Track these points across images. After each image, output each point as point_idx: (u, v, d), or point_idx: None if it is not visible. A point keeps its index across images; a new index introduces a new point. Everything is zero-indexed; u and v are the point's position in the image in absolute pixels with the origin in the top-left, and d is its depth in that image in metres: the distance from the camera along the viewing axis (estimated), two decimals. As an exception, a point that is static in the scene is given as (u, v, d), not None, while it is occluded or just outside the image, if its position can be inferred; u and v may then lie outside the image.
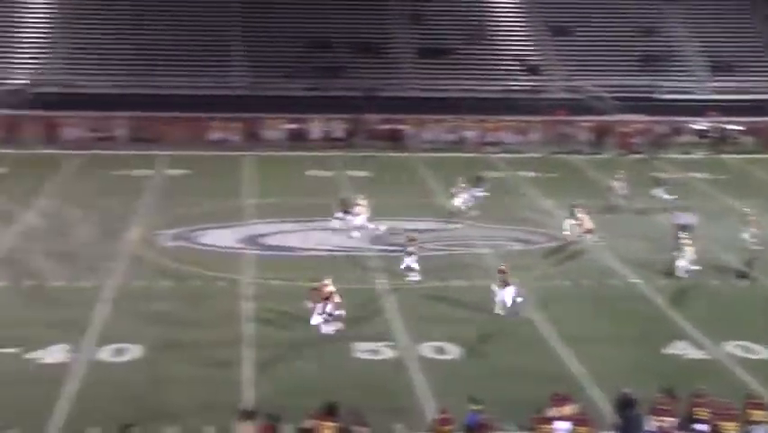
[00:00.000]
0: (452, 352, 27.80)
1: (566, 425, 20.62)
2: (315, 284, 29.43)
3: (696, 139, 61.02)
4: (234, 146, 56.72)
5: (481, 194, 43.24)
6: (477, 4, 71.80)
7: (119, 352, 27.19)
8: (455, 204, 42.05)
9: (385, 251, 37.11)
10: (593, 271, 35.32)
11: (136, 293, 31.95)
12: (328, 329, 28.66)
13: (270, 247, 37.61)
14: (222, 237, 38.51)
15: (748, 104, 62.81)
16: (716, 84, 66.82)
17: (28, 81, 62.35)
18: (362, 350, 27.69)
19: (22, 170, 49.23)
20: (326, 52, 66.14)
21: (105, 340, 27.94)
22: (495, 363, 27.12)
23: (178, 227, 39.60)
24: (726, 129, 60.61)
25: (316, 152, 55.81)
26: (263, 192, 45.61)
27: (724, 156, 57.47)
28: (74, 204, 42.95)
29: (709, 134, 60.94)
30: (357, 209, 38.81)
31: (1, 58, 63.79)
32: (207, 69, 64.18)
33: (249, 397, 24.43)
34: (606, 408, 23.62)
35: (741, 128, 60.88)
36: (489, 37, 69.41)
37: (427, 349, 27.88)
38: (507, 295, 30.55)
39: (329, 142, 58.36)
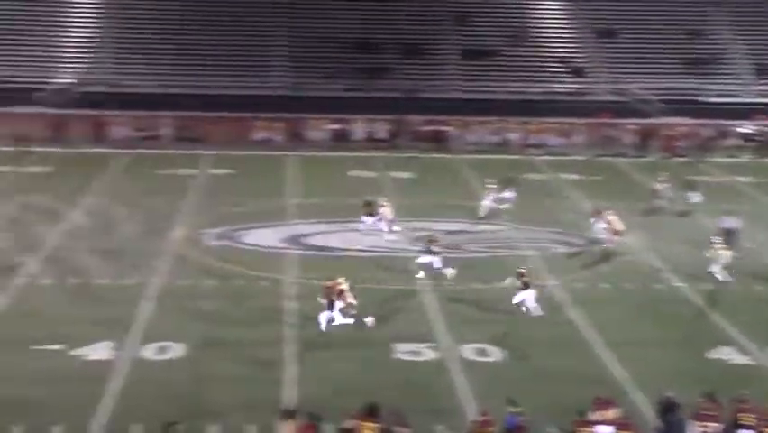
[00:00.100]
0: (494, 354, 27.77)
1: (609, 429, 20.53)
2: (329, 282, 29.52)
3: (741, 142, 60.52)
4: (278, 146, 56.92)
5: (512, 196, 43.07)
6: (522, 6, 71.60)
7: (162, 350, 27.38)
8: (484, 205, 41.94)
9: (426, 252, 37.05)
10: (636, 274, 35.14)
11: (180, 292, 32.16)
12: (336, 322, 28.62)
13: (313, 247, 37.72)
14: (265, 237, 38.66)
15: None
16: (762, 87, 66.23)
17: (75, 80, 62.91)
18: (404, 351, 27.71)
19: (69, 169, 49.67)
20: (370, 53, 66.22)
21: (148, 338, 28.14)
22: (537, 365, 27.06)
23: (222, 227, 39.80)
24: (772, 132, 60.16)
25: (359, 152, 55.89)
26: (306, 192, 45.75)
27: (769, 160, 57.08)
28: (120, 202, 43.30)
29: (755, 138, 60.42)
30: (381, 211, 38.79)
31: (49, 57, 64.39)
32: (252, 70, 64.48)
33: (290, 396, 24.52)
34: (648, 412, 23.51)
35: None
36: (534, 39, 69.19)
37: (469, 351, 27.86)
38: (528, 296, 30.48)
39: (372, 142, 58.43)
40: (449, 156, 55.59)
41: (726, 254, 34.22)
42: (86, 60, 64.92)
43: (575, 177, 51.13)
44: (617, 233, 37.63)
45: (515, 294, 30.67)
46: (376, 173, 50.75)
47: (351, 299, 28.90)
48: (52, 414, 23.27)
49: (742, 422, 20.84)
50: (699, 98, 64.08)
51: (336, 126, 59.72)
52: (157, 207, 42.35)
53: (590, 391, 22.42)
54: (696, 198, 43.97)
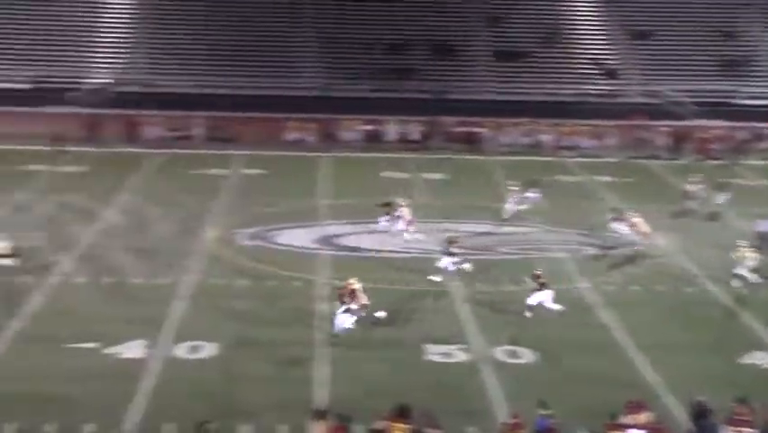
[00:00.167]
0: (526, 356, 27.76)
1: (640, 433, 20.51)
2: (341, 283, 29.53)
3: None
4: (310, 147, 57.03)
5: (536, 197, 42.97)
6: (554, 7, 71.41)
7: (195, 349, 27.53)
8: (507, 207, 41.88)
9: (458, 254, 37.07)
10: (668, 277, 35.02)
11: (213, 291, 32.32)
12: (347, 324, 28.58)
13: (345, 248, 37.80)
14: (297, 237, 38.78)
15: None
16: (797, 89, 65.83)
17: (109, 81, 63.30)
18: (435, 352, 27.75)
19: (103, 169, 49.98)
20: (402, 54, 66.25)
21: (181, 337, 28.31)
22: (568, 367, 27.02)
23: (255, 227, 39.95)
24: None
25: (392, 153, 55.93)
26: (338, 193, 45.85)
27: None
28: (153, 202, 43.56)
29: (790, 141, 60.06)
30: (400, 212, 38.81)
31: (83, 57, 64.82)
32: (285, 70, 64.65)
33: (322, 397, 24.61)
34: (680, 416, 23.46)
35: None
36: (566, 40, 69.01)
37: (500, 353, 27.87)
38: (545, 297, 30.43)
39: (404, 143, 58.44)
40: (481, 158, 55.54)
41: (752, 256, 34.05)
42: (120, 61, 65.31)
43: (608, 179, 50.95)
44: (643, 234, 37.52)
45: (530, 295, 30.66)
46: (408, 174, 50.78)
47: (364, 300, 28.94)
48: (85, 412, 23.48)
49: (776, 427, 20.76)
50: (733, 100, 63.72)
51: (369, 127, 59.72)
52: (190, 207, 42.59)
53: (622, 394, 22.39)
54: (722, 198, 43.76)
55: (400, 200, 39.59)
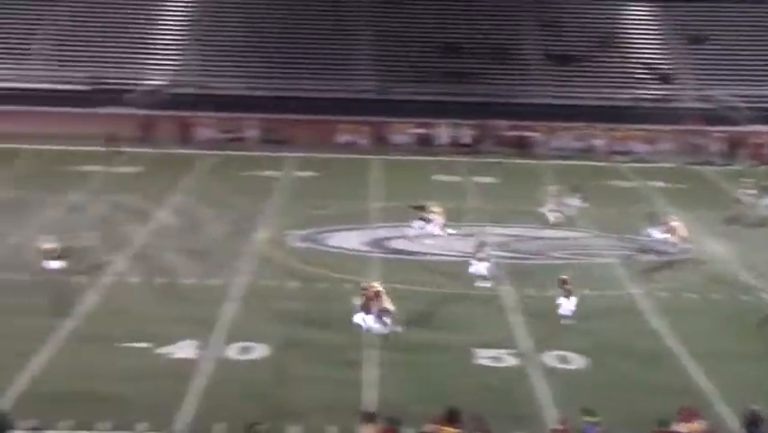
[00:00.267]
0: (576, 361, 27.62)
1: (693, 441, 20.36)
2: (364, 284, 29.59)
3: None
4: (362, 149, 57.12)
5: (579, 203, 42.67)
6: (609, 11, 71.04)
7: (246, 350, 27.68)
8: (547, 212, 41.64)
9: (511, 258, 37.04)
10: (722, 284, 34.68)
11: (264, 292, 32.46)
12: (380, 328, 28.62)
13: (395, 251, 37.82)
14: (348, 240, 38.86)
15: None
16: None
17: (165, 82, 63.83)
18: (484, 356, 27.69)
19: (157, 169, 50.41)
20: (456, 57, 66.19)
21: (232, 338, 28.47)
22: (619, 374, 26.87)
23: (306, 228, 40.08)
24: None
25: (443, 156, 55.90)
26: (389, 196, 45.86)
27: None
28: (206, 203, 43.84)
29: None
30: (432, 217, 38.73)
31: (139, 59, 65.42)
32: (338, 73, 64.83)
33: (371, 399, 24.64)
34: (733, 425, 23.24)
35: None
36: (621, 44, 68.60)
37: (550, 358, 27.75)
38: (570, 305, 30.23)
39: (456, 147, 58.35)
40: (533, 162, 55.33)
41: None
42: (175, 63, 65.85)
43: (661, 184, 50.55)
44: (681, 239, 37.26)
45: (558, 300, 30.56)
46: (459, 178, 50.73)
47: (387, 304, 28.92)
48: (138, 411, 23.69)
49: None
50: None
51: (421, 131, 59.69)
52: (242, 208, 42.82)
53: (673, 401, 22.23)
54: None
55: (432, 204, 39.51)
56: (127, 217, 41.27)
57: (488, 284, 33.40)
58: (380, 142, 58.58)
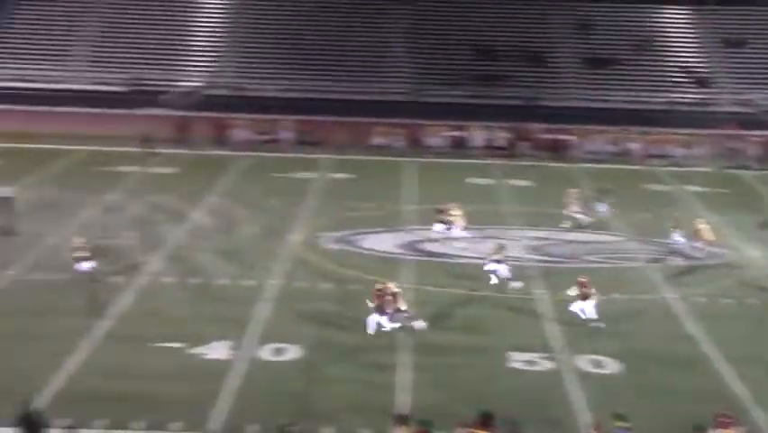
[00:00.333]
0: (610, 366, 27.50)
1: (729, 447, 20.21)
2: (379, 285, 29.59)
3: None
4: (397, 151, 57.13)
5: (606, 207, 42.39)
6: (645, 14, 70.72)
7: (279, 351, 27.75)
8: (572, 215, 41.41)
9: (544, 261, 36.96)
10: (758, 289, 34.42)
11: (297, 294, 32.53)
12: (391, 325, 28.75)
13: (429, 253, 37.78)
14: (382, 242, 38.87)
15: None
16: None
17: (201, 84, 64.12)
18: (519, 360, 27.63)
19: (192, 170, 50.67)
20: (491, 60, 66.12)
21: (265, 339, 28.56)
22: (654, 379, 26.71)
23: (340, 230, 40.14)
24: None
25: (477, 159, 55.84)
26: (423, 198, 45.81)
27: None
28: (240, 204, 44.01)
29: None
30: (452, 219, 38.62)
31: (175, 61, 65.79)
32: (373, 75, 64.94)
33: (404, 401, 24.64)
34: (769, 432, 23.09)
35: None
36: (657, 47, 68.27)
37: (584, 362, 27.65)
38: (587, 307, 30.06)
39: (490, 150, 58.23)
40: (567, 165, 55.15)
41: None
42: (211, 64, 66.16)
43: (697, 189, 50.23)
44: (706, 242, 37.05)
45: (573, 302, 30.43)
46: (493, 181, 50.65)
47: (401, 304, 28.94)
48: (172, 411, 23.81)
49: None
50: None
51: (455, 133, 59.62)
52: (276, 210, 42.95)
53: (708, 407, 22.09)
54: None
55: (454, 206, 39.41)
56: (162, 218, 41.51)
57: (519, 285, 33.31)
58: (415, 145, 58.54)
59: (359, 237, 39.41)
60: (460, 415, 21.71)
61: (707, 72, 66.21)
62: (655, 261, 37.39)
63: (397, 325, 28.81)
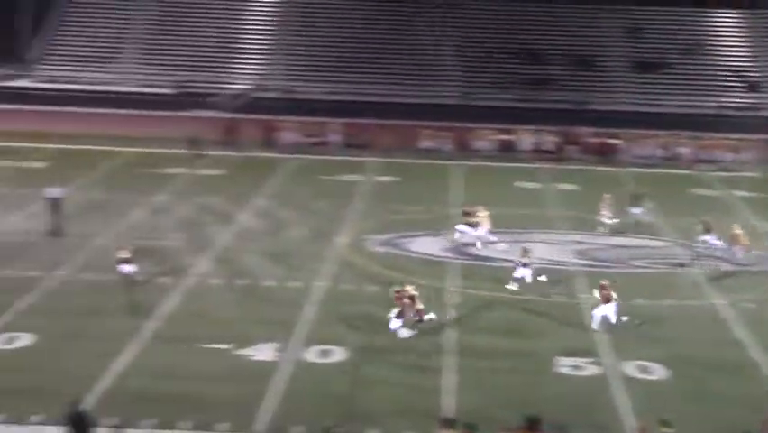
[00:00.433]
0: (658, 372, 27.31)
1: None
2: (397, 288, 29.52)
3: None
4: (444, 155, 57.06)
5: (639, 212, 41.97)
6: (695, 18, 70.24)
7: (324, 353, 27.81)
8: (603, 220, 41.11)
9: (591, 266, 36.77)
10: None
11: (343, 296, 32.59)
12: (405, 333, 28.73)
13: (475, 257, 37.69)
14: (428, 245, 38.82)
15: None
16: None
17: (250, 86, 64.48)
18: (565, 365, 27.51)
19: (240, 172, 50.93)
20: (540, 64, 65.97)
21: (311, 341, 28.64)
22: (701, 385, 26.50)
23: (386, 233, 40.16)
24: None
25: (526, 163, 55.68)
26: (469, 202, 45.58)
27: None
28: (287, 207, 44.17)
29: None
30: (478, 221, 38.44)
31: (224, 63, 66.20)
32: (422, 78, 65.00)
33: (449, 405, 24.62)
34: (817, 439, 22.77)
35: None
36: (707, 51, 67.75)
37: (632, 368, 27.48)
38: (608, 311, 29.81)
39: (538, 154, 58.03)
40: (615, 169, 54.83)
41: None
42: (260, 67, 66.52)
43: (746, 194, 49.78)
44: (742, 246, 36.72)
45: (595, 307, 30.25)
46: (541, 184, 50.48)
47: (419, 306, 28.95)
48: (218, 411, 23.95)
49: None
50: None
51: (503, 137, 59.43)
52: (323, 212, 43.07)
53: (756, 414, 21.88)
54: None
55: (480, 208, 39.26)
56: (210, 219, 41.74)
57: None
58: (462, 148, 58.44)
59: (405, 240, 39.40)
60: (505, 419, 21.66)
61: (757, 76, 65.61)
62: (702, 266, 37.00)
63: (414, 332, 28.80)
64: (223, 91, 63.31)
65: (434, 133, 58.93)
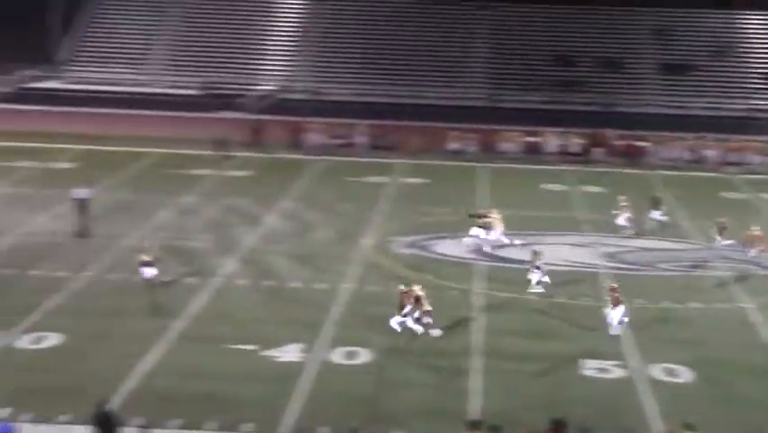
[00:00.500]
0: (685, 375, 27.18)
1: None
2: (403, 288, 29.49)
3: None
4: (470, 157, 56.94)
5: (660, 216, 41.69)
6: (724, 20, 69.89)
7: (350, 354, 27.82)
8: (619, 223, 40.91)
9: (619, 268, 36.64)
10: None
11: (369, 298, 32.60)
12: (418, 328, 28.74)
13: (500, 259, 37.60)
14: (453, 247, 38.75)
15: None
16: None
17: (276, 87, 64.63)
18: (591, 368, 27.42)
19: (267, 174, 51.03)
20: (568, 66, 65.83)
21: (337, 342, 28.66)
22: (728, 389, 26.37)
23: (412, 235, 40.15)
24: None
25: (552, 165, 55.53)
26: (496, 204, 45.48)
27: None
28: (313, 208, 44.22)
29: None
30: (491, 223, 38.27)
31: (251, 65, 66.40)
32: (448, 80, 65.00)
33: (475, 407, 24.58)
34: None
35: None
36: (736, 53, 67.41)
37: (658, 371, 27.36)
38: (616, 315, 29.67)
39: (565, 156, 57.84)
40: (642, 172, 54.59)
41: None
42: (286, 69, 66.66)
43: (773, 196, 49.54)
44: (763, 249, 36.57)
45: (604, 315, 30.08)
46: (567, 187, 50.32)
47: (427, 307, 28.94)
48: (244, 412, 24.02)
49: None
50: None
51: (529, 139, 59.25)
52: (349, 214, 43.10)
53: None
54: None
55: (492, 211, 39.13)
56: (236, 221, 41.84)
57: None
58: (489, 150, 58.30)
59: (431, 242, 39.38)
60: (531, 422, 21.61)
61: (787, 79, 65.30)
62: (731, 269, 36.81)
63: (420, 328, 28.80)
64: (249, 92, 63.47)
65: (460, 134, 58.78)
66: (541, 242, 38.53)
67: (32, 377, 25.88)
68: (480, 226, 38.32)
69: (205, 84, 64.08)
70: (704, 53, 67.02)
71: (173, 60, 67.07)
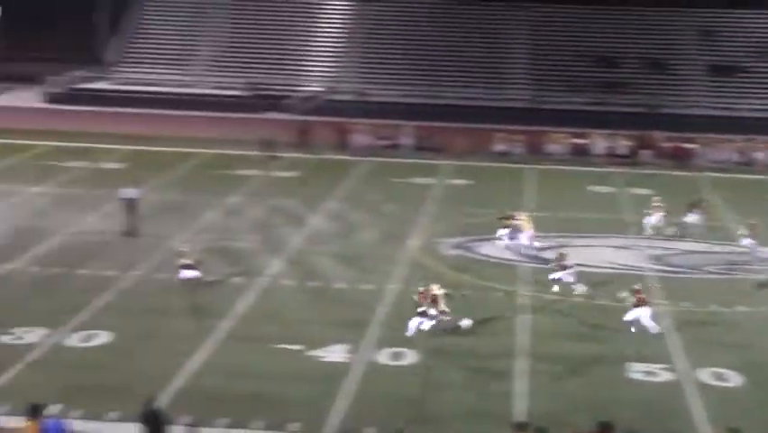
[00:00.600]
0: (734, 379, 26.97)
1: None
2: (421, 288, 29.45)
3: None
4: (517, 158, 56.81)
5: (696, 219, 41.20)
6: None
7: (396, 355, 27.85)
8: (652, 224, 40.54)
9: (665, 271, 36.43)
10: None
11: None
12: (424, 326, 28.77)
13: (545, 261, 37.46)
14: (499, 248, 38.68)
15: None
16: None
17: (323, 89, 64.85)
18: (638, 371, 27.28)
19: (313, 175, 51.20)
20: (613, 67, 65.54)
21: (383, 343, 28.70)
22: (777, 394, 26.17)
23: (458, 236, 40.13)
24: None
25: (599, 167, 55.27)
26: (542, 206, 45.46)
27: None
28: (359, 209, 44.33)
29: None
30: (520, 225, 38.06)
31: (297, 66, 66.69)
32: (494, 82, 64.95)
33: (521, 409, 24.54)
34: None
35: None
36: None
37: (707, 374, 27.17)
38: (642, 315, 29.43)
39: (612, 158, 57.53)
40: (690, 174, 54.21)
41: None
42: (333, 70, 66.88)
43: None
44: None
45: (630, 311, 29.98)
46: (615, 189, 50.07)
47: (443, 307, 28.95)
48: (290, 411, 24.12)
49: None
50: None
51: (576, 141, 59.01)
52: (395, 215, 43.15)
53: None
54: None
55: (520, 213, 38.96)
56: (283, 221, 42.03)
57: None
58: (535, 152, 58.12)
59: (476, 243, 39.34)
60: (577, 424, 21.53)
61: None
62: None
63: (439, 328, 28.88)
64: (296, 93, 63.76)
65: (506, 136, 58.62)
66: (588, 244, 38.39)
67: (81, 375, 26.17)
68: (505, 227, 38.22)
69: (252, 85, 64.43)
70: (752, 54, 66.46)
71: (219, 61, 67.51)
